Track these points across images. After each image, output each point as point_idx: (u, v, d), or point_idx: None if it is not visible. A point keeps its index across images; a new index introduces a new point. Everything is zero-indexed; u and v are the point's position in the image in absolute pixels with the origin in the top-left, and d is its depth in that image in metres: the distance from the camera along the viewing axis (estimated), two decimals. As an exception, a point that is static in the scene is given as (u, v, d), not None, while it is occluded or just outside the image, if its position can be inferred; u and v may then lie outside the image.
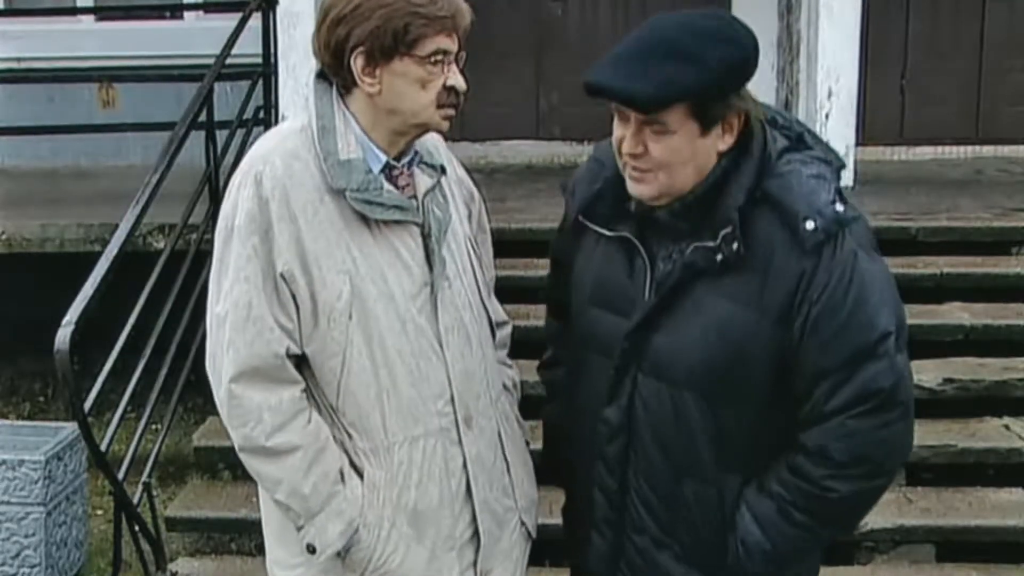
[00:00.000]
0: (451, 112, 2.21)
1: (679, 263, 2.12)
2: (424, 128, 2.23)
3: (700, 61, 2.00)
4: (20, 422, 5.29)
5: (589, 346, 2.28)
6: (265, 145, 2.23)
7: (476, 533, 2.30)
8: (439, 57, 2.16)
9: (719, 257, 2.07)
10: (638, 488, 2.23)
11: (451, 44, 2.18)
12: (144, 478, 4.45)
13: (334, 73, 2.21)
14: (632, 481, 2.23)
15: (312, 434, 2.19)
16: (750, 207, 2.07)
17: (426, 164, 2.29)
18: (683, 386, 2.13)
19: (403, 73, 2.16)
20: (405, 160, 2.26)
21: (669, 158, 2.07)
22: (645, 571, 2.26)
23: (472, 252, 2.37)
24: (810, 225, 2.03)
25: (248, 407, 2.17)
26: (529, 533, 2.43)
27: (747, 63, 2.07)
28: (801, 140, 2.16)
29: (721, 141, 2.09)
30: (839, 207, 2.06)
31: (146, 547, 4.31)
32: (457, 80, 2.19)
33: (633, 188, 2.13)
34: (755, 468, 2.17)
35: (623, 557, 2.28)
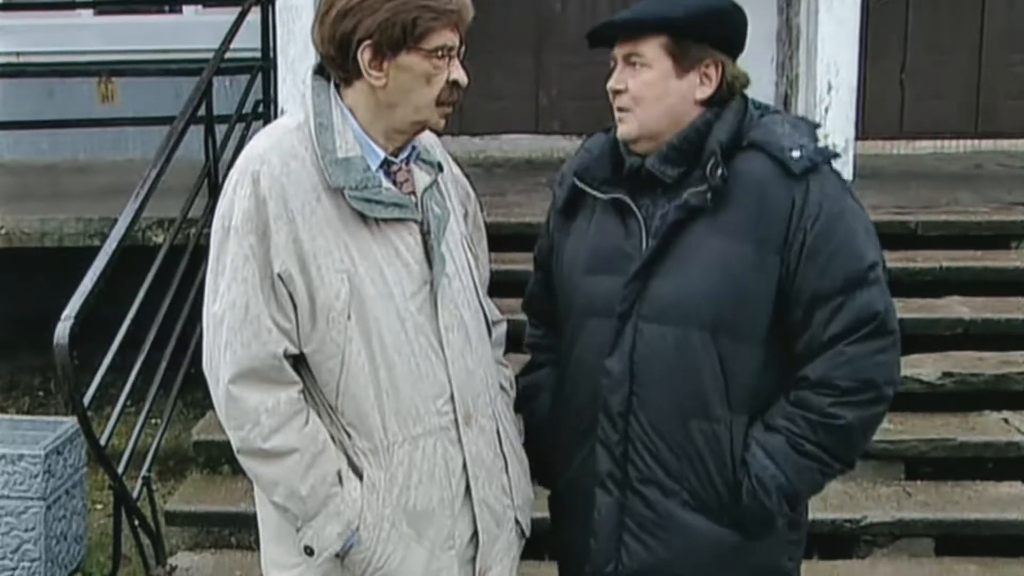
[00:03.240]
0: (449, 110, 2.21)
1: (674, 206, 2.24)
2: (422, 126, 2.23)
3: (676, 2, 2.25)
4: (19, 416, 5.27)
5: (587, 312, 2.34)
6: (261, 143, 2.21)
7: (475, 532, 2.29)
8: (444, 52, 2.16)
9: (709, 194, 2.20)
10: (643, 437, 2.26)
11: (455, 39, 2.18)
12: (144, 472, 4.46)
13: (337, 66, 2.20)
14: (636, 430, 2.27)
15: (310, 436, 2.17)
16: (737, 153, 2.24)
17: (423, 161, 2.29)
18: (688, 325, 2.22)
19: (409, 67, 2.15)
20: (403, 156, 2.25)
21: (644, 92, 2.26)
22: (653, 523, 2.28)
23: (468, 251, 2.36)
24: (796, 153, 2.21)
25: (245, 409, 2.15)
26: (523, 531, 2.42)
27: (722, 12, 2.28)
28: (777, 112, 2.35)
29: (698, 90, 2.27)
30: (819, 144, 2.26)
31: (146, 541, 4.32)
32: (460, 75, 2.19)
33: (618, 131, 2.32)
34: (760, 407, 2.25)
35: (628, 512, 2.30)
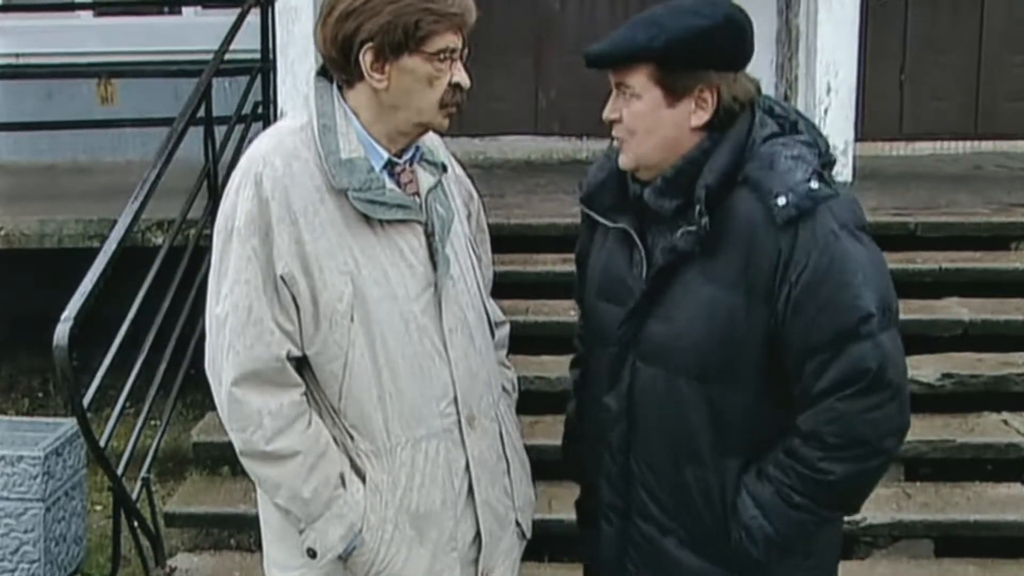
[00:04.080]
0: (452, 111, 2.21)
1: (664, 248, 2.17)
2: (425, 128, 2.23)
3: (660, 26, 2.12)
4: (19, 418, 5.27)
5: (596, 339, 2.32)
6: (264, 144, 2.21)
7: (477, 534, 2.29)
8: (447, 55, 2.15)
9: (696, 238, 2.11)
10: (641, 475, 2.25)
11: (458, 41, 2.17)
12: (143, 474, 4.46)
13: (339, 68, 2.19)
14: (635, 468, 2.26)
15: (312, 438, 2.17)
16: (732, 189, 2.11)
17: (427, 161, 2.28)
18: (677, 371, 2.16)
19: (412, 70, 2.15)
20: (407, 157, 2.24)
21: (635, 124, 2.16)
22: (652, 557, 2.27)
23: (472, 252, 2.36)
24: (782, 201, 2.06)
25: (248, 411, 2.15)
26: (523, 533, 2.42)
27: (708, 33, 2.11)
28: (795, 128, 2.18)
29: (694, 116, 2.14)
30: (814, 184, 2.08)
31: (145, 543, 4.32)
32: (462, 77, 2.18)
33: (619, 159, 2.23)
34: (754, 453, 2.18)
35: (630, 543, 2.29)
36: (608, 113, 2.21)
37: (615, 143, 2.23)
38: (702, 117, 2.15)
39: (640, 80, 2.14)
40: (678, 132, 2.15)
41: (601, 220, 2.30)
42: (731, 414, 2.16)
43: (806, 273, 2.05)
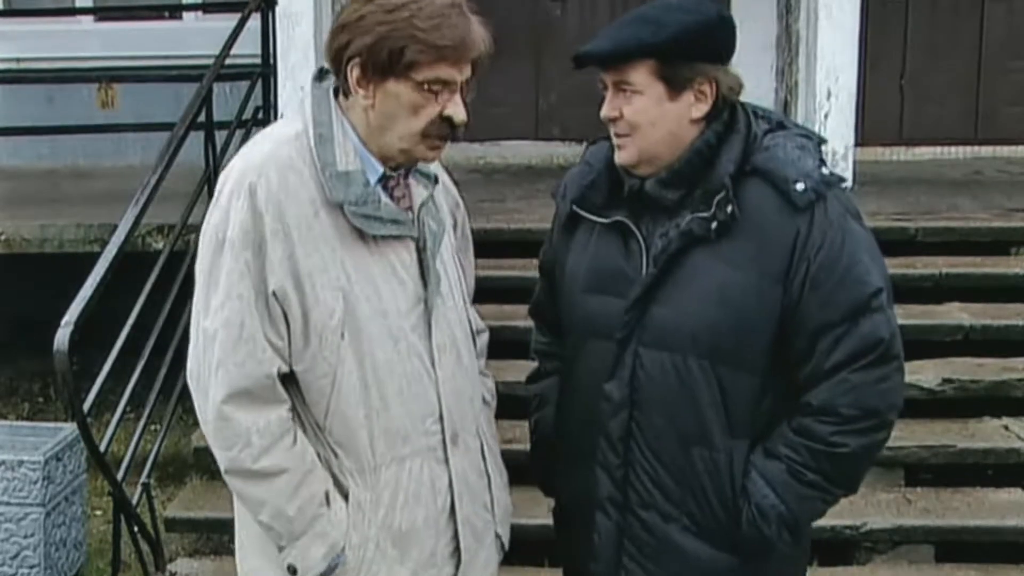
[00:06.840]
0: (440, 144, 2.15)
1: (676, 233, 2.21)
2: (408, 155, 2.16)
3: (657, 22, 2.20)
4: (19, 422, 5.28)
5: (587, 332, 2.32)
6: (258, 152, 2.14)
7: (457, 549, 2.26)
8: (436, 86, 2.09)
9: (714, 224, 2.18)
10: (643, 462, 2.25)
11: (454, 74, 2.09)
12: (143, 479, 4.45)
13: (337, 76, 2.15)
14: (636, 455, 2.26)
15: (299, 456, 2.13)
16: (741, 179, 2.20)
17: (421, 173, 2.24)
18: (688, 353, 2.20)
19: (396, 95, 2.08)
20: (401, 170, 2.20)
21: (638, 119, 2.22)
22: (653, 547, 2.27)
23: (458, 263, 2.33)
24: (800, 186, 2.17)
25: (237, 430, 2.11)
26: (503, 545, 2.39)
27: (706, 27, 2.22)
28: (781, 125, 2.29)
29: (694, 108, 2.22)
30: (824, 171, 2.21)
31: (145, 548, 4.31)
32: (455, 111, 2.11)
33: (616, 157, 2.28)
34: (759, 433, 2.23)
35: (628, 535, 2.29)
36: (607, 111, 2.25)
37: (615, 141, 2.27)
38: (702, 109, 2.23)
39: (641, 76, 2.20)
40: (679, 124, 2.23)
41: (594, 218, 2.32)
42: (740, 395, 2.21)
43: (823, 250, 2.16)
